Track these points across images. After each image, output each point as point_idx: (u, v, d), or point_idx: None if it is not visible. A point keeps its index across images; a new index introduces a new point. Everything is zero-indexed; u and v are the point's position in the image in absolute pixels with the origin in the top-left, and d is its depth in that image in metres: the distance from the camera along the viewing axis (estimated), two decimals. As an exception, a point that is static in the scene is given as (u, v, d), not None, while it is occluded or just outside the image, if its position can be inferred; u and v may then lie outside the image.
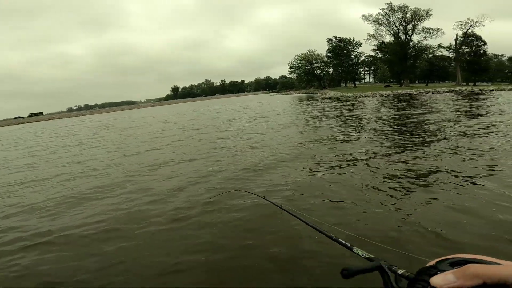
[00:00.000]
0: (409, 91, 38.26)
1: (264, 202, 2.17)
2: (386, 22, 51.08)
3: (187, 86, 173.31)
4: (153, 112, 42.43)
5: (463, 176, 4.57)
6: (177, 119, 22.68)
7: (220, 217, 3.71)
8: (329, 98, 36.73)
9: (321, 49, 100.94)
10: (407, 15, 49.01)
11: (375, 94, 36.93)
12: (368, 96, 35.15)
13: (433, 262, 0.40)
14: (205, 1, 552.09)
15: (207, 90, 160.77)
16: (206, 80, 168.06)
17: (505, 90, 37.78)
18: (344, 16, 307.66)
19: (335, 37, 66.28)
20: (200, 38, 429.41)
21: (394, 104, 22.57)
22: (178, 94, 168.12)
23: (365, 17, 52.79)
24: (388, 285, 0.48)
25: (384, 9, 50.46)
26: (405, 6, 48.90)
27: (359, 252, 0.67)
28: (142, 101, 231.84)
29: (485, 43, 49.01)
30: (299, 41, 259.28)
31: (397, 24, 50.37)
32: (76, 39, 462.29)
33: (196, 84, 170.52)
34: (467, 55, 49.78)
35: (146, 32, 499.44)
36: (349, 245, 0.73)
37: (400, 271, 0.48)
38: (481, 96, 27.19)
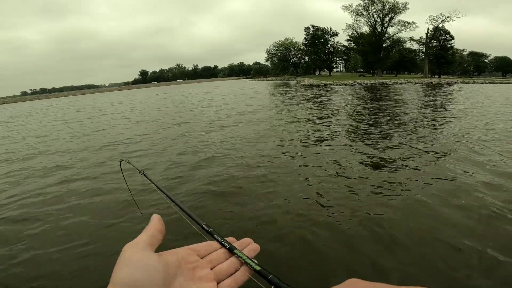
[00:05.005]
0: (384, 81, 39.83)
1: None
2: (365, 13, 51.98)
3: (157, 71, 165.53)
4: (128, 97, 39.58)
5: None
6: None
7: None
8: (309, 85, 36.96)
9: (289, 37, 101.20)
10: (386, 7, 50.12)
11: (354, 82, 37.93)
12: (348, 84, 35.99)
13: None
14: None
15: (178, 74, 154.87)
16: (177, 64, 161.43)
17: (468, 83, 40.95)
18: (309, 7, 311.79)
19: (312, 26, 66.03)
20: (165, 24, 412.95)
21: (375, 92, 23.30)
22: (147, 78, 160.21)
23: (345, 7, 53.07)
24: None
25: (364, 0, 51.23)
26: None
27: (244, 256, 0.42)
28: (107, 85, 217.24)
29: (452, 38, 52.14)
30: (267, 30, 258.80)
31: (375, 16, 51.47)
32: (30, 25, 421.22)
33: (167, 69, 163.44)
34: (435, 48, 52.70)
35: (108, 19, 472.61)
36: (227, 246, 0.44)
37: None
38: (449, 87, 29.19)
